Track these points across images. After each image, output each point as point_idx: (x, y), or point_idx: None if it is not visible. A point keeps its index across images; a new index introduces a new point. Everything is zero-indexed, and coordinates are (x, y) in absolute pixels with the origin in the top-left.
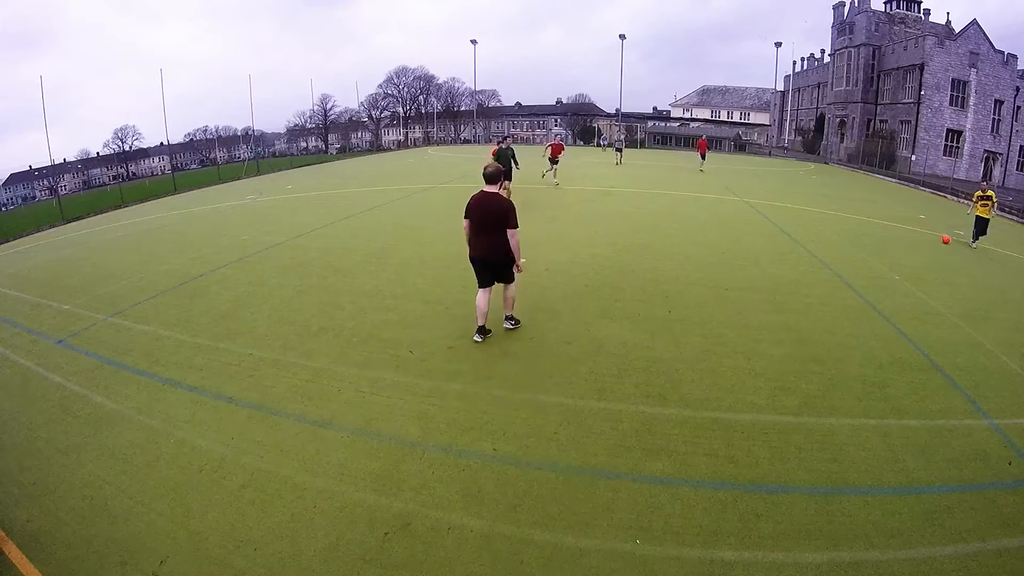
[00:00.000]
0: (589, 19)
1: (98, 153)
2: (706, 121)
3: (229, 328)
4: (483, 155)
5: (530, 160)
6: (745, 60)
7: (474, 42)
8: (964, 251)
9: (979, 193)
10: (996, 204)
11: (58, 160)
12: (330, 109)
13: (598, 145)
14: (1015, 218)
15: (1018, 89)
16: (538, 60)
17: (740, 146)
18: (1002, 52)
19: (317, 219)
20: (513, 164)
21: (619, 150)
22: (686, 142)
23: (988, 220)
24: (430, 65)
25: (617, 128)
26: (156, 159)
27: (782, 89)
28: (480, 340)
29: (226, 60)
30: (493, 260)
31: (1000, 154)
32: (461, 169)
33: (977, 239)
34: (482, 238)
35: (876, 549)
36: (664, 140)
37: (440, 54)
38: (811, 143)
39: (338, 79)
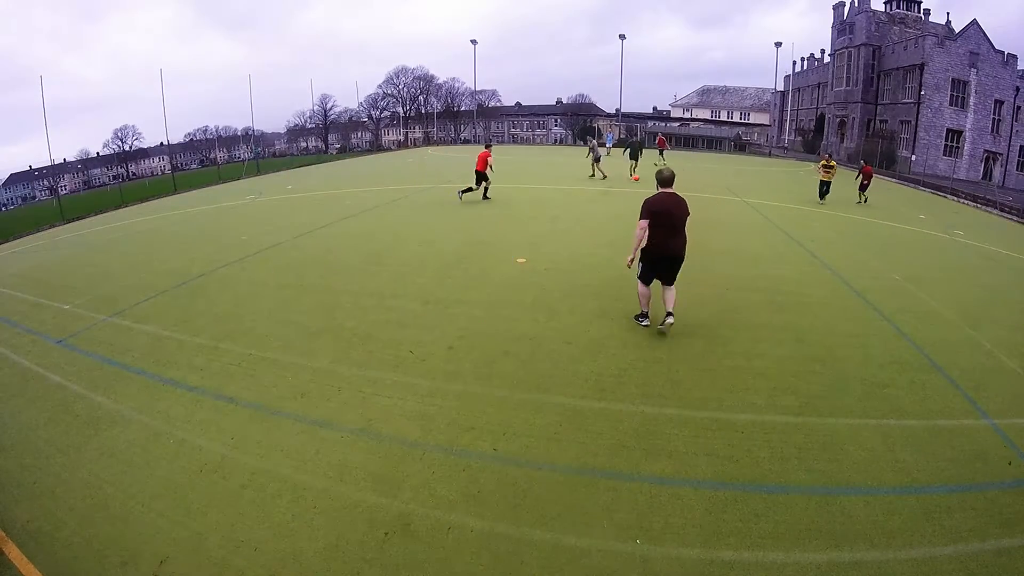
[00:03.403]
0: (598, 23)
1: (98, 153)
2: (706, 121)
3: (229, 328)
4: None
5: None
6: (746, 60)
7: (474, 42)
8: (964, 251)
9: (822, 162)
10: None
11: (58, 160)
12: (330, 109)
13: (600, 145)
14: (1015, 218)
15: (1018, 89)
16: (540, 60)
17: (740, 146)
18: (1002, 52)
19: (317, 219)
20: None
21: (597, 159)
22: (685, 142)
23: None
24: (430, 65)
25: (611, 125)
26: (156, 159)
27: (782, 89)
28: None
29: (226, 60)
30: None
31: (1000, 154)
32: (461, 169)
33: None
34: None
35: (876, 549)
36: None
37: (440, 55)
38: (811, 143)
39: (338, 79)
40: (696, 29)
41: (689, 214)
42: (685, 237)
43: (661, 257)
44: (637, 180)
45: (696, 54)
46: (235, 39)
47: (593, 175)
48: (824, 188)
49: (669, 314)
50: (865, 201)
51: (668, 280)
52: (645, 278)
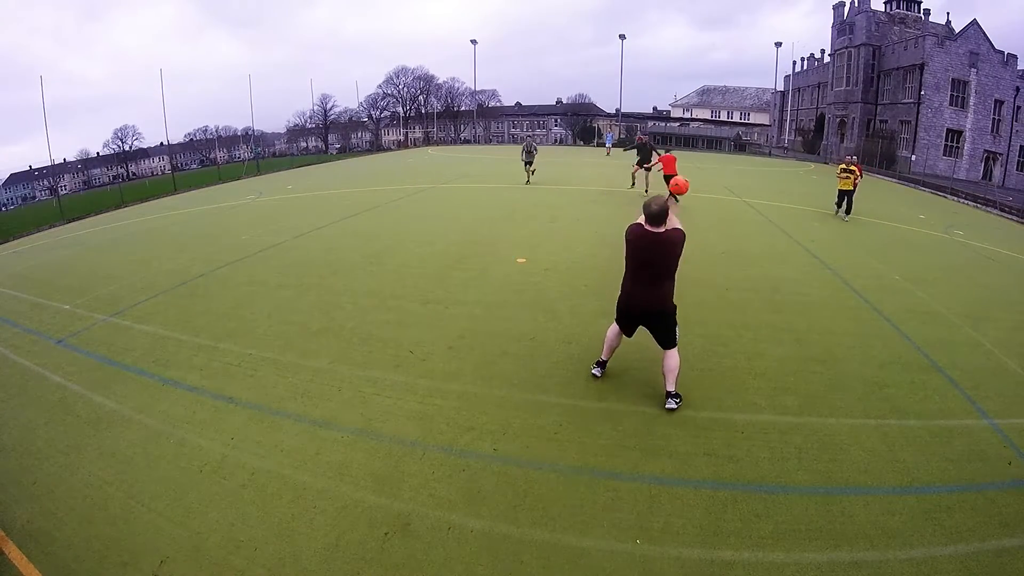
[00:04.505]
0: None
1: (98, 153)
2: (706, 121)
3: (229, 328)
4: (484, 154)
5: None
6: (748, 61)
7: (474, 42)
8: (964, 251)
9: (842, 166)
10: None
11: (58, 160)
12: (330, 109)
13: (599, 145)
14: (1015, 218)
15: (1018, 89)
16: (540, 60)
17: (740, 146)
18: (1002, 52)
19: (317, 219)
20: None
21: (528, 163)
22: (685, 142)
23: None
24: (431, 65)
25: (611, 125)
26: (156, 159)
27: (782, 89)
28: None
29: (227, 59)
30: None
31: (1000, 154)
32: (461, 169)
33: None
34: None
35: (876, 549)
36: (664, 140)
37: (441, 54)
38: (811, 143)
39: (338, 79)
40: (700, 29)
41: (676, 255)
42: (662, 288)
43: (627, 309)
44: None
45: (700, 54)
46: (237, 38)
47: (528, 180)
48: (843, 199)
49: (668, 396)
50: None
51: (660, 341)
52: (619, 320)
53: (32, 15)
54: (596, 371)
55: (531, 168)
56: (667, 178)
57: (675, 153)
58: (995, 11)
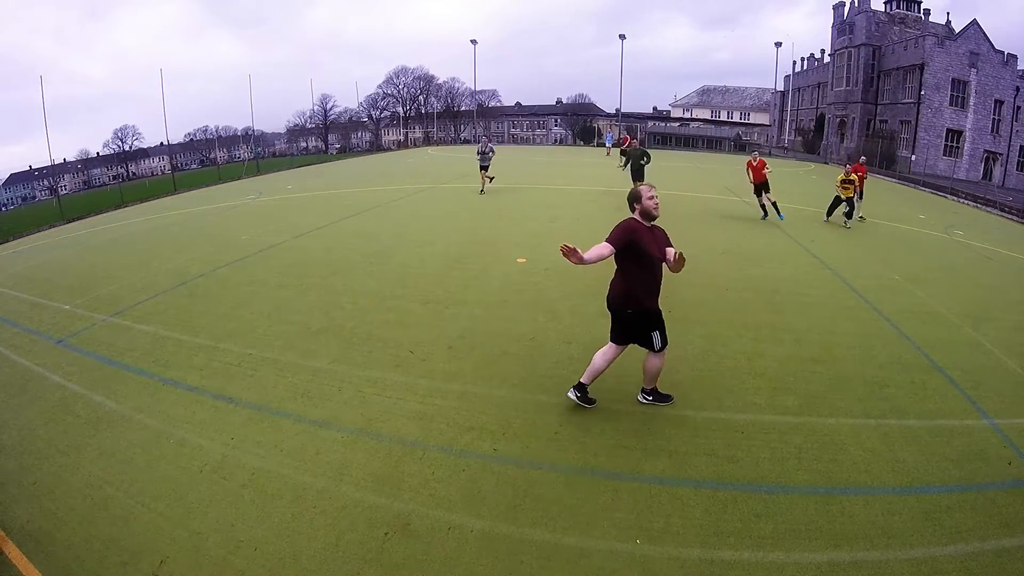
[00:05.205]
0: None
1: (98, 153)
2: (706, 121)
3: (229, 328)
4: None
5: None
6: (750, 61)
7: (474, 42)
8: (964, 251)
9: (841, 176)
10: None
11: (58, 160)
12: (330, 109)
13: (599, 145)
14: (1015, 218)
15: (1018, 89)
16: (541, 60)
17: (740, 146)
18: (1002, 52)
19: (317, 219)
20: None
21: (484, 167)
22: (685, 142)
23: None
24: (433, 65)
25: (611, 125)
26: (156, 159)
27: (782, 89)
28: None
29: (228, 59)
30: None
31: (1000, 154)
32: (461, 169)
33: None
34: None
35: (876, 549)
36: (664, 140)
37: (443, 54)
38: (811, 143)
39: (339, 79)
40: (702, 29)
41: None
42: (613, 281)
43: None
44: None
45: (701, 54)
46: (238, 38)
47: (482, 190)
48: (838, 206)
49: (643, 391)
50: (860, 218)
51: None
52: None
53: (33, 15)
54: (574, 394)
55: (487, 174)
56: (764, 185)
57: (680, 152)
58: (995, 11)
